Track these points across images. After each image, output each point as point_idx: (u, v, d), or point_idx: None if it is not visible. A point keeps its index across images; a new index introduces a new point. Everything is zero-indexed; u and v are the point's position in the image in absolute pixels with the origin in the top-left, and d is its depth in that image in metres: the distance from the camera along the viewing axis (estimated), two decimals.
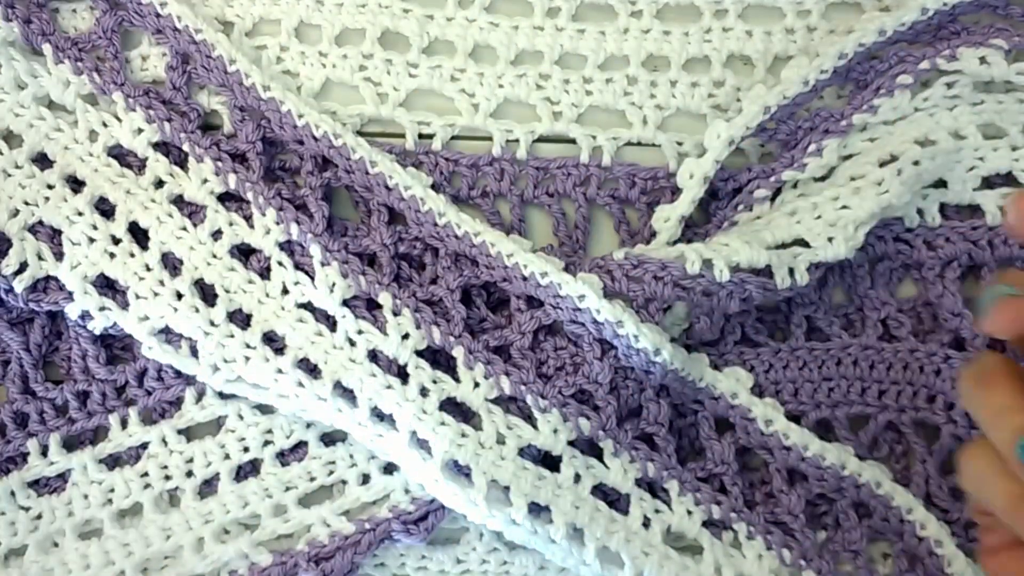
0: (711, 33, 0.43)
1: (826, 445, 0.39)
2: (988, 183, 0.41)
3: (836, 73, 0.41)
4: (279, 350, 0.40)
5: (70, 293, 0.39)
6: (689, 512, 0.39)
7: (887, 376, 0.40)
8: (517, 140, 0.43)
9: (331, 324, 0.40)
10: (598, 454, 0.39)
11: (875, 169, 0.39)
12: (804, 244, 0.39)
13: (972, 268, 0.42)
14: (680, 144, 0.43)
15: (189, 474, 0.41)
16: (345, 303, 0.40)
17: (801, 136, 0.41)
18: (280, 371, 0.39)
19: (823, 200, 0.39)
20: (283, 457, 0.42)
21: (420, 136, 0.43)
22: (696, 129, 0.43)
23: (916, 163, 0.39)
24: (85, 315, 0.40)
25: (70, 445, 0.41)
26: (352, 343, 0.40)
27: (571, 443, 0.39)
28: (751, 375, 0.40)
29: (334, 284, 0.40)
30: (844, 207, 0.38)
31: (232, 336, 0.39)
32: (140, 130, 0.41)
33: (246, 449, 0.41)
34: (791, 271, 0.38)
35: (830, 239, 0.38)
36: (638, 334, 0.38)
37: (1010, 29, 0.40)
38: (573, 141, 0.43)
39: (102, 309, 0.40)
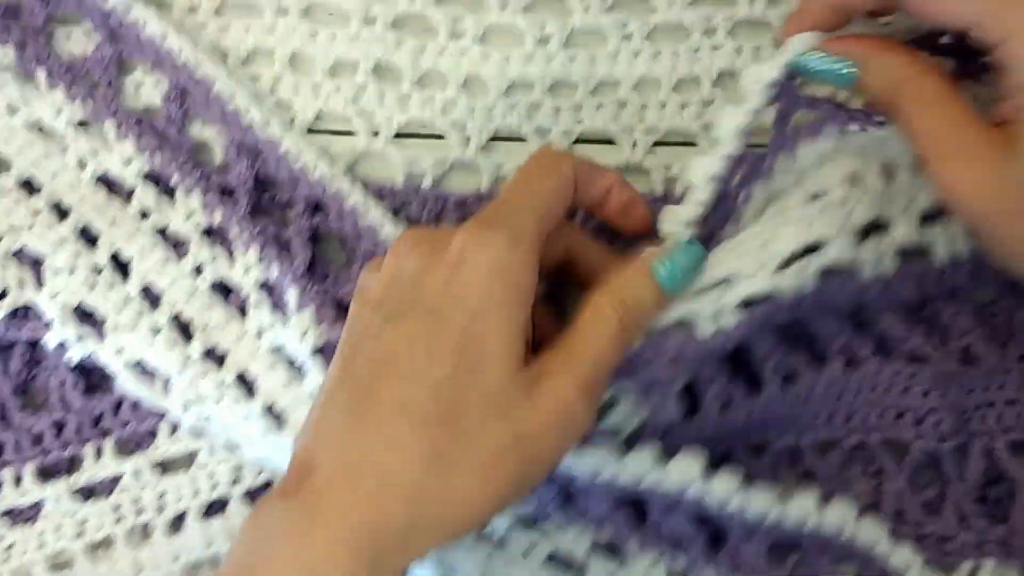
0: (700, 52, 0.40)
1: (786, 510, 0.35)
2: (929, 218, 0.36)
3: None
4: (251, 393, 0.37)
5: (49, 322, 0.37)
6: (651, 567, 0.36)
7: (853, 401, 0.37)
8: (507, 175, 0.40)
9: (302, 372, 0.37)
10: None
11: (801, 205, 0.34)
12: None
13: None
14: (668, 168, 0.40)
15: (160, 509, 0.39)
16: (318, 351, 0.37)
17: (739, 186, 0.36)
18: (248, 416, 0.37)
19: (748, 237, 0.34)
20: (252, 495, 0.39)
21: (410, 170, 0.41)
22: (685, 151, 0.40)
23: (843, 201, 0.34)
24: (63, 345, 0.38)
25: (45, 475, 0.39)
26: None
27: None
28: (700, 455, 0.34)
29: (307, 330, 0.37)
30: (767, 243, 0.34)
31: (206, 374, 0.37)
32: (130, 160, 0.39)
33: (215, 486, 0.38)
34: (715, 316, 0.33)
35: (758, 271, 0.33)
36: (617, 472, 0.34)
37: None
38: None
39: (80, 339, 0.37)
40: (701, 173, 0.34)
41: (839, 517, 0.35)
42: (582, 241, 0.36)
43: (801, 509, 0.35)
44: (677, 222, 0.34)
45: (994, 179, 0.29)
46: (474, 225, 0.31)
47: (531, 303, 0.31)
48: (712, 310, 0.33)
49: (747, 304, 0.33)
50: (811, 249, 0.33)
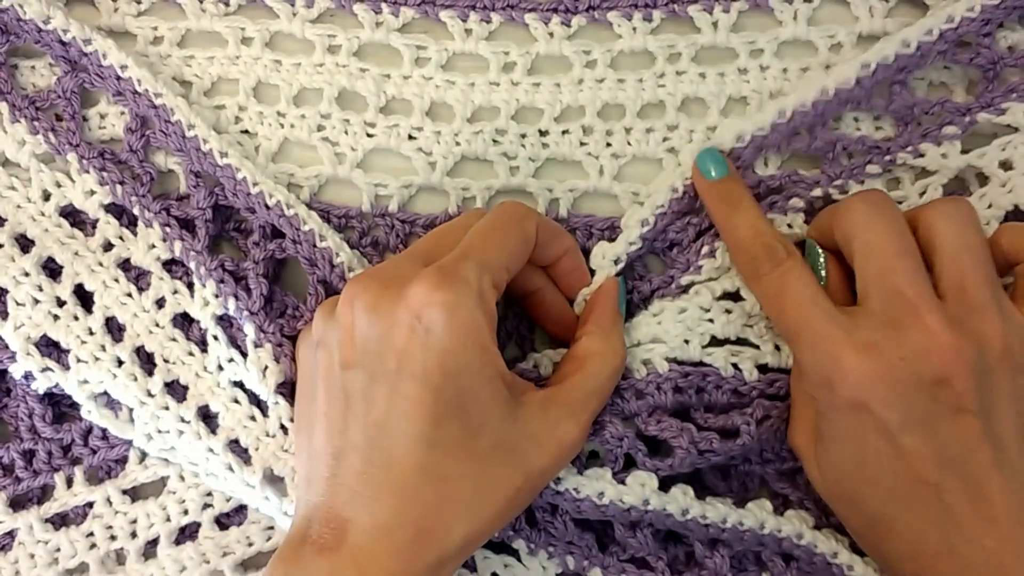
0: (665, 78, 0.39)
1: (743, 512, 0.35)
2: None
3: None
4: (213, 428, 0.37)
5: (14, 353, 0.37)
6: None
7: None
8: (474, 197, 0.40)
9: (264, 408, 0.37)
10: (513, 552, 0.36)
11: (749, 294, 0.36)
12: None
13: None
14: (636, 194, 0.39)
15: (133, 535, 0.38)
16: (279, 388, 0.36)
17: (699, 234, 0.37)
18: (211, 450, 0.36)
19: (692, 306, 0.36)
20: (224, 519, 0.38)
21: (377, 197, 0.40)
22: (652, 175, 0.39)
23: None
24: (28, 375, 0.37)
25: (16, 504, 0.38)
26: (285, 430, 0.36)
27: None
28: (652, 475, 0.35)
29: (266, 368, 0.36)
30: (709, 320, 0.35)
31: (167, 408, 0.36)
32: (92, 192, 0.38)
33: (185, 512, 0.38)
34: (646, 363, 0.35)
35: (686, 341, 0.35)
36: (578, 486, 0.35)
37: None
38: (531, 195, 0.40)
39: (44, 370, 0.37)
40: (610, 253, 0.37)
41: (794, 527, 0.35)
42: (541, 281, 0.37)
43: (757, 516, 0.35)
44: (606, 258, 0.37)
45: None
46: (433, 282, 0.30)
47: (495, 343, 0.32)
48: (642, 358, 0.35)
49: (679, 362, 0.35)
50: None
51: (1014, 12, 0.37)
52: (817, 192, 0.36)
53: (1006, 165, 0.36)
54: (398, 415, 0.30)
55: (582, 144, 0.39)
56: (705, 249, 0.36)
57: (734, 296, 0.36)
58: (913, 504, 0.30)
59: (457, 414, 0.30)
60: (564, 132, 0.39)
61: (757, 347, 0.35)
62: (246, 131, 0.40)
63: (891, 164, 0.36)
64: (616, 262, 0.37)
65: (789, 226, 0.36)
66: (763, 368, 0.35)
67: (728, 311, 0.35)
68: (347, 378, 0.31)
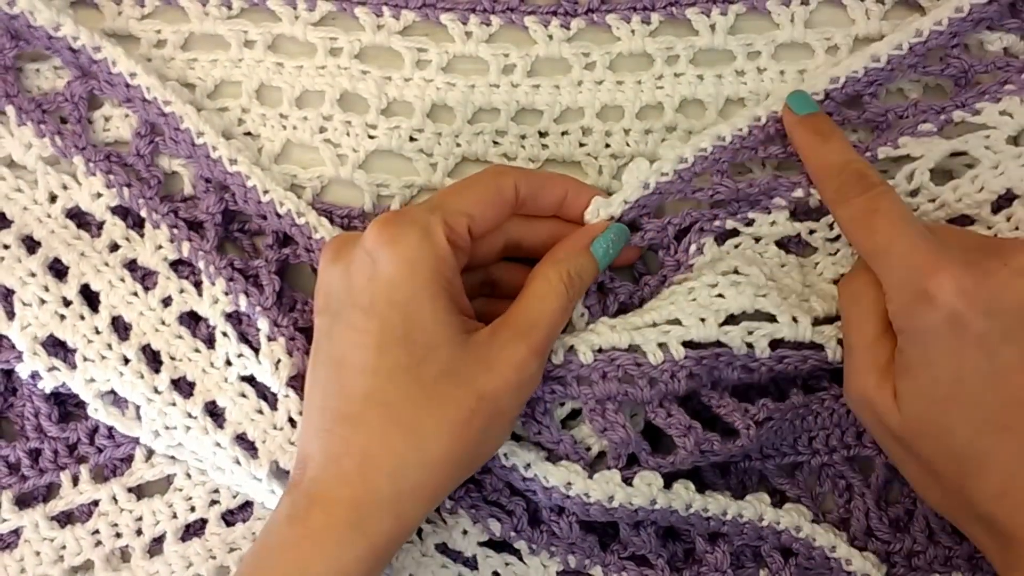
0: (663, 80, 0.39)
1: (742, 503, 0.35)
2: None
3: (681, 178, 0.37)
4: (220, 423, 0.37)
5: (20, 353, 0.37)
6: None
7: (815, 424, 0.37)
8: None
9: (272, 402, 0.37)
10: (515, 552, 0.37)
11: (750, 268, 0.36)
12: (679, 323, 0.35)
13: None
14: None
15: (139, 532, 0.39)
16: (290, 381, 0.37)
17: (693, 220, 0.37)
18: (219, 445, 0.36)
19: (700, 285, 0.35)
20: (230, 516, 0.38)
21: (379, 197, 0.40)
22: None
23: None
24: (35, 375, 0.37)
25: (23, 502, 0.39)
26: (293, 423, 0.36)
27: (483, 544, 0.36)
28: (657, 474, 0.35)
29: (279, 361, 0.36)
30: (720, 295, 0.35)
31: (174, 404, 0.37)
32: (99, 194, 0.38)
33: (192, 508, 0.38)
34: (662, 346, 0.34)
35: (702, 319, 0.34)
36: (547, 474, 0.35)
37: None
38: None
39: (51, 370, 0.37)
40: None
41: (792, 520, 0.36)
42: (524, 225, 0.37)
43: (756, 509, 0.35)
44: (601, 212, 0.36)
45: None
46: (381, 222, 0.32)
47: (455, 282, 0.33)
48: (658, 340, 0.34)
49: (693, 346, 0.34)
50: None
51: (980, 23, 0.37)
52: (799, 193, 0.36)
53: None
54: (349, 346, 0.32)
55: (581, 145, 0.40)
56: (693, 248, 0.36)
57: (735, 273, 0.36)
58: (1010, 433, 0.29)
59: (403, 342, 0.31)
60: (563, 133, 0.40)
61: (774, 318, 0.35)
62: (249, 133, 0.40)
63: (874, 160, 0.36)
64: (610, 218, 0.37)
65: (773, 223, 0.37)
66: (776, 344, 0.35)
67: (736, 283, 0.35)
68: (318, 325, 0.33)
